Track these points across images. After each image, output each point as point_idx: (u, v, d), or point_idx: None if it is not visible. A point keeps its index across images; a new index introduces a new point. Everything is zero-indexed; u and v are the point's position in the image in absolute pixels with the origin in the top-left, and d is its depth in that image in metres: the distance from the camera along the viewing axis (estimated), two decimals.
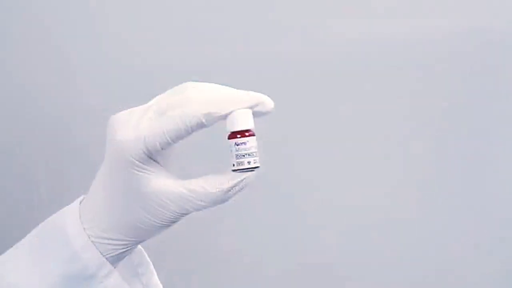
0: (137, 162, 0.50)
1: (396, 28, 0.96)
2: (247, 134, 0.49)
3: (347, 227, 1.03)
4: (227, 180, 0.50)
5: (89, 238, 0.51)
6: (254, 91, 0.57)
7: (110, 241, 0.51)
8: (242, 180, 0.50)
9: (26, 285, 0.52)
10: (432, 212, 1.01)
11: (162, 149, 0.50)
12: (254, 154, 0.50)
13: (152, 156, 0.50)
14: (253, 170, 0.50)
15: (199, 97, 0.50)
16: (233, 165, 0.50)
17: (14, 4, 1.04)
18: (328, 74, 0.99)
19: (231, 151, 0.50)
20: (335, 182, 1.02)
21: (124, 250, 0.52)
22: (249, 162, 0.50)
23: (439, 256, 1.01)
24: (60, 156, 1.05)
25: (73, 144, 1.02)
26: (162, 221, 0.51)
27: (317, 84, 0.99)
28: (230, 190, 0.50)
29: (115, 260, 0.52)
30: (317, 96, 0.99)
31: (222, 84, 0.52)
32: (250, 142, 0.50)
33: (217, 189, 0.50)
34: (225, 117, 0.49)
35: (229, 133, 0.50)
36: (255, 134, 0.50)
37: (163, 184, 0.50)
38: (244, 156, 0.49)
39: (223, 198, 0.50)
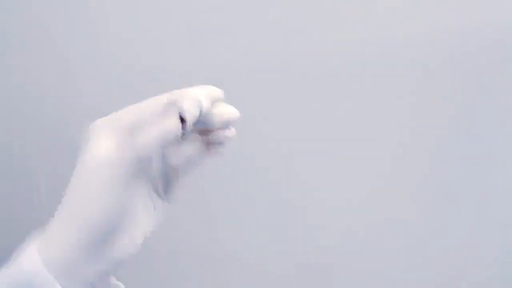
0: None
1: (396, 28, 0.96)
2: None
3: (347, 227, 1.03)
4: None
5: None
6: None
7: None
8: None
9: None
10: (432, 212, 1.01)
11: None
12: None
13: None
14: None
15: None
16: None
17: (14, 4, 1.04)
18: (328, 74, 0.99)
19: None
20: (335, 182, 1.02)
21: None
22: None
23: (439, 256, 1.01)
24: (60, 156, 1.05)
25: (73, 144, 1.02)
26: None
27: (317, 84, 0.99)
28: None
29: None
30: (317, 96, 0.99)
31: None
32: None
33: None
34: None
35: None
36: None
37: None
38: None
39: None
